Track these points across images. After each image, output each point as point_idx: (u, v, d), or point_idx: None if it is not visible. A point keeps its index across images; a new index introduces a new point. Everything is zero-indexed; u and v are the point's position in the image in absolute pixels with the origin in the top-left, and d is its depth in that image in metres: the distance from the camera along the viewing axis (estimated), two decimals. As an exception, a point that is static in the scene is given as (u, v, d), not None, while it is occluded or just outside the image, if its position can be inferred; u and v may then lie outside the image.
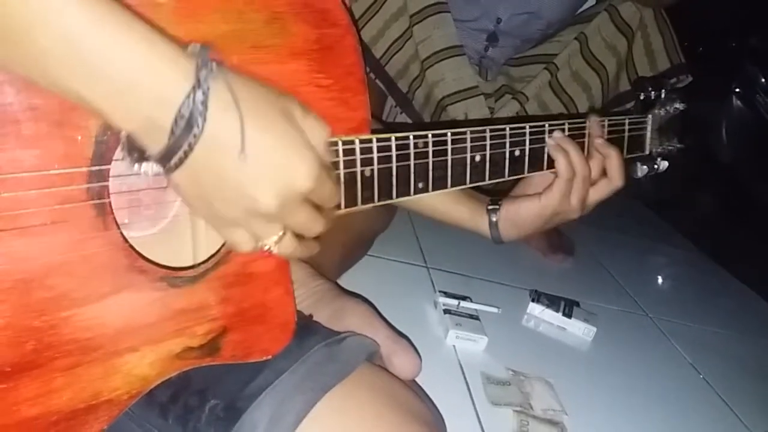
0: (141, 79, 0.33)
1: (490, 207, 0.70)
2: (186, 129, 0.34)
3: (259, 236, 0.40)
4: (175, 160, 0.35)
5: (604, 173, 0.68)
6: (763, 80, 2.14)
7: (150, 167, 0.36)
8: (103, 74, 0.32)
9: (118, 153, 0.37)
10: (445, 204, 0.72)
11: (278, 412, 0.49)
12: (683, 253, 1.92)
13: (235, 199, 0.38)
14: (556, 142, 0.64)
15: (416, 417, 0.54)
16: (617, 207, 2.02)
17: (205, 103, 0.33)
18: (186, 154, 0.34)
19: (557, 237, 1.51)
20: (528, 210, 0.67)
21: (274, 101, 0.38)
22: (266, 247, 0.41)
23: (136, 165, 0.36)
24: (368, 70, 1.15)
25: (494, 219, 0.69)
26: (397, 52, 1.16)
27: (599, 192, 0.68)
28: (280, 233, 0.40)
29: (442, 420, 0.65)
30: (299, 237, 0.42)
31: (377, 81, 1.18)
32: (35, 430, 0.40)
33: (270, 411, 0.49)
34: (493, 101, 1.24)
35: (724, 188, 2.26)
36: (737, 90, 2.19)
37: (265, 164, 0.37)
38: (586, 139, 0.68)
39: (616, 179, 0.67)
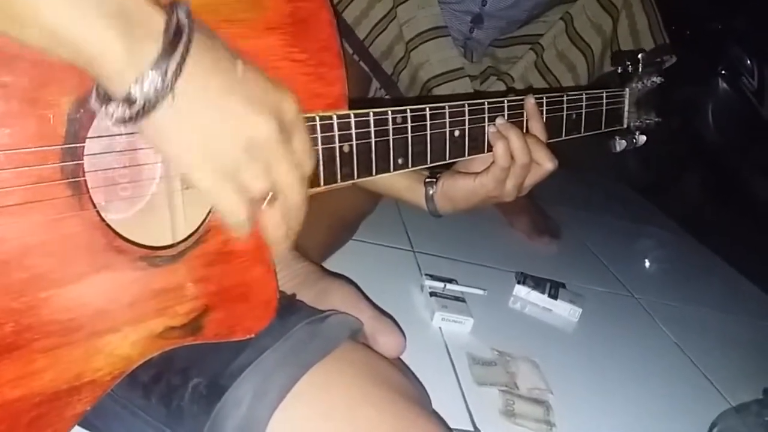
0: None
1: (427, 180, 0.69)
2: (176, 34, 0.34)
3: (249, 189, 0.39)
4: (173, 66, 0.34)
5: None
6: (748, 62, 2.15)
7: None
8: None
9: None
10: (385, 176, 0.71)
11: (261, 388, 0.49)
12: (668, 235, 1.93)
13: (236, 126, 0.37)
14: (497, 128, 0.62)
15: (400, 392, 0.54)
16: (603, 189, 2.04)
17: (189, 17, 0.35)
18: (184, 58, 0.34)
19: (543, 220, 1.52)
20: (463, 187, 0.66)
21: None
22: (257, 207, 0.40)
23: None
24: (352, 51, 1.13)
25: (431, 192, 0.69)
26: (380, 33, 1.14)
27: (533, 177, 0.65)
28: (270, 194, 0.40)
29: (427, 395, 0.65)
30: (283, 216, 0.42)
31: (361, 63, 1.17)
32: (18, 412, 0.40)
33: (253, 388, 0.49)
34: (478, 83, 1.23)
35: (709, 170, 2.29)
36: (723, 72, 2.20)
37: (259, 88, 0.38)
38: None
39: (545, 163, 0.65)
